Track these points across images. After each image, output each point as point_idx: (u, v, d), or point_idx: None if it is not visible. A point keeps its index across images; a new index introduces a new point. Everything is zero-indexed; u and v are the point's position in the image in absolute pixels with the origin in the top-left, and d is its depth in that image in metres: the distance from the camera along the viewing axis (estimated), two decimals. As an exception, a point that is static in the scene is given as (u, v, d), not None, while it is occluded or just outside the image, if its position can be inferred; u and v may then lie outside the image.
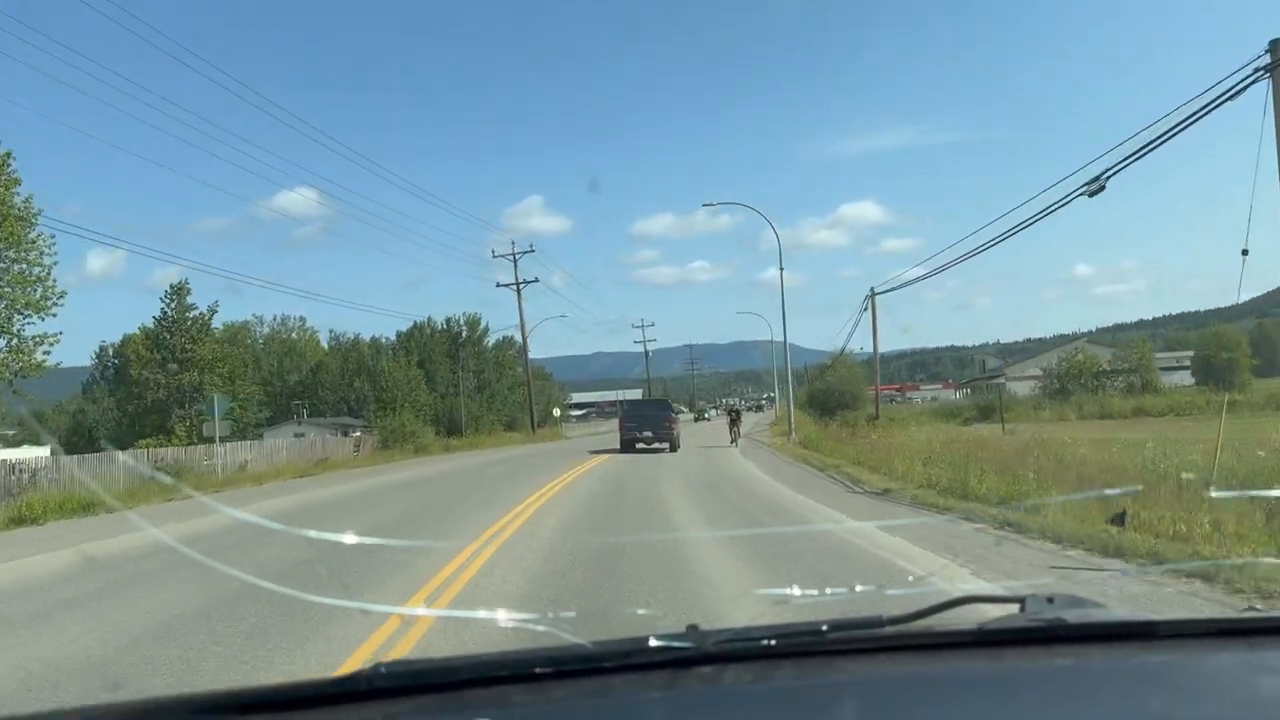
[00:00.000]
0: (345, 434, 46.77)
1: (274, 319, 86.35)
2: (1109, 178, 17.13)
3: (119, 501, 14.81)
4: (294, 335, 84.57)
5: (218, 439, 23.37)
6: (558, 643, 1.41)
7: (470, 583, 7.33)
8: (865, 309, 40.50)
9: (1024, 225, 18.97)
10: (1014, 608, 1.58)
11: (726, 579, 7.04)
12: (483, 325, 75.42)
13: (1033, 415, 42.31)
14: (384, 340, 75.98)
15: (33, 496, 15.89)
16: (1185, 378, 67.64)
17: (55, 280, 25.18)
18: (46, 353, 24.82)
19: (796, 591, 1.85)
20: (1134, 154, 16.18)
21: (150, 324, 52.01)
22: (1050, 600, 1.59)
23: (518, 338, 63.19)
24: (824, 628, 1.38)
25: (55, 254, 25.28)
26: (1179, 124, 14.73)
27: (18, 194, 24.23)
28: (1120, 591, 6.05)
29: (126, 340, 57.57)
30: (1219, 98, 13.52)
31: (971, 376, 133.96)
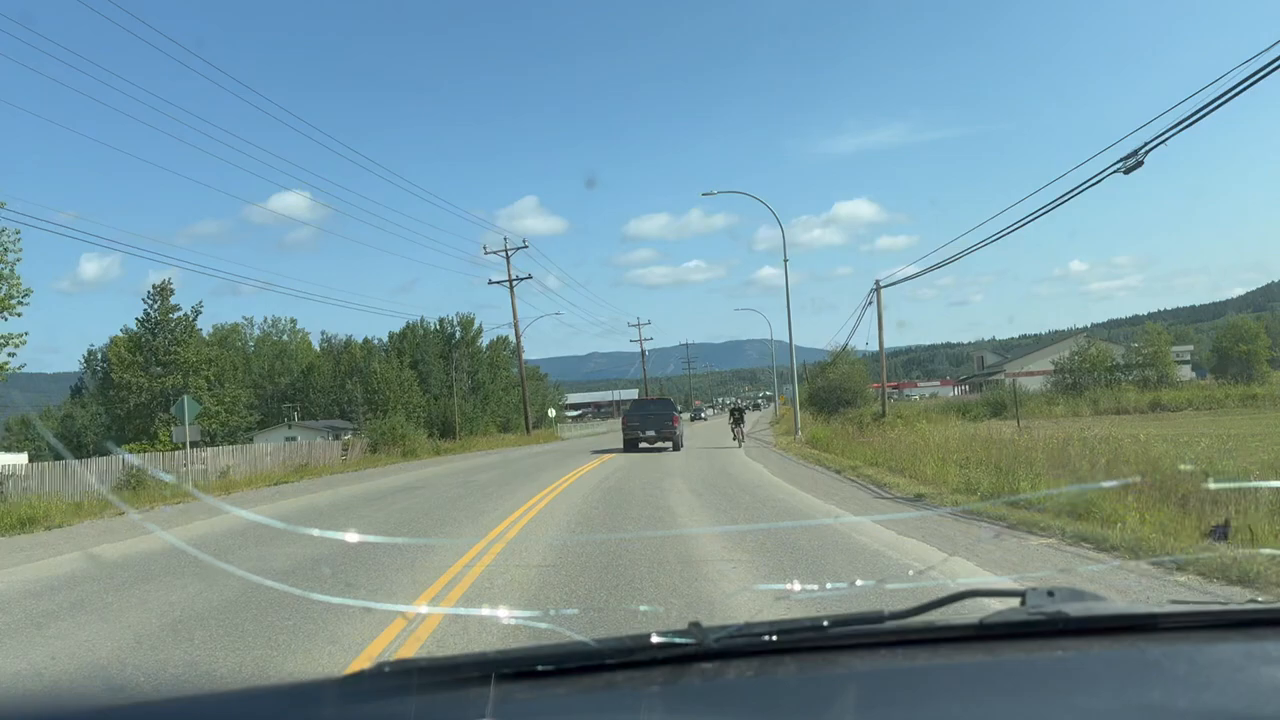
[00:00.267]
0: (337, 437, 45.28)
1: (264, 321, 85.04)
2: (1147, 153, 16.08)
3: (66, 516, 13.30)
4: (285, 337, 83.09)
5: (188, 444, 22.01)
6: (560, 640, 1.39)
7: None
8: (870, 303, 39.25)
9: (1054, 205, 17.64)
10: (1015, 601, 1.56)
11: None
12: (476, 325, 74.08)
13: (1046, 411, 40.91)
14: (376, 342, 74.52)
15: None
16: (1185, 372, 66.43)
17: (20, 278, 23.78)
18: (11, 354, 23.41)
19: (797, 587, 2.14)
20: (1176, 125, 15.12)
21: (134, 326, 50.44)
22: (1051, 593, 1.55)
23: (511, 336, 61.57)
24: (825, 623, 1.39)
25: (20, 250, 23.90)
26: (1224, 93, 13.65)
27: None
28: None
29: (111, 342, 55.91)
30: (1267, 66, 12.48)
31: (970, 373, 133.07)
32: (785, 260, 33.78)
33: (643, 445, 29.64)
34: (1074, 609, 1.45)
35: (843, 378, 57.26)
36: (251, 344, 79.68)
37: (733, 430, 33.16)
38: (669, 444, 29.65)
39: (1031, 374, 61.26)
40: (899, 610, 1.45)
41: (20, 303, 23.52)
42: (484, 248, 59.23)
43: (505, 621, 5.02)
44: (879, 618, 1.42)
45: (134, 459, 25.64)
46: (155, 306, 49.54)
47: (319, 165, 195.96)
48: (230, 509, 13.93)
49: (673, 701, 1.21)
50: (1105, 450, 13.49)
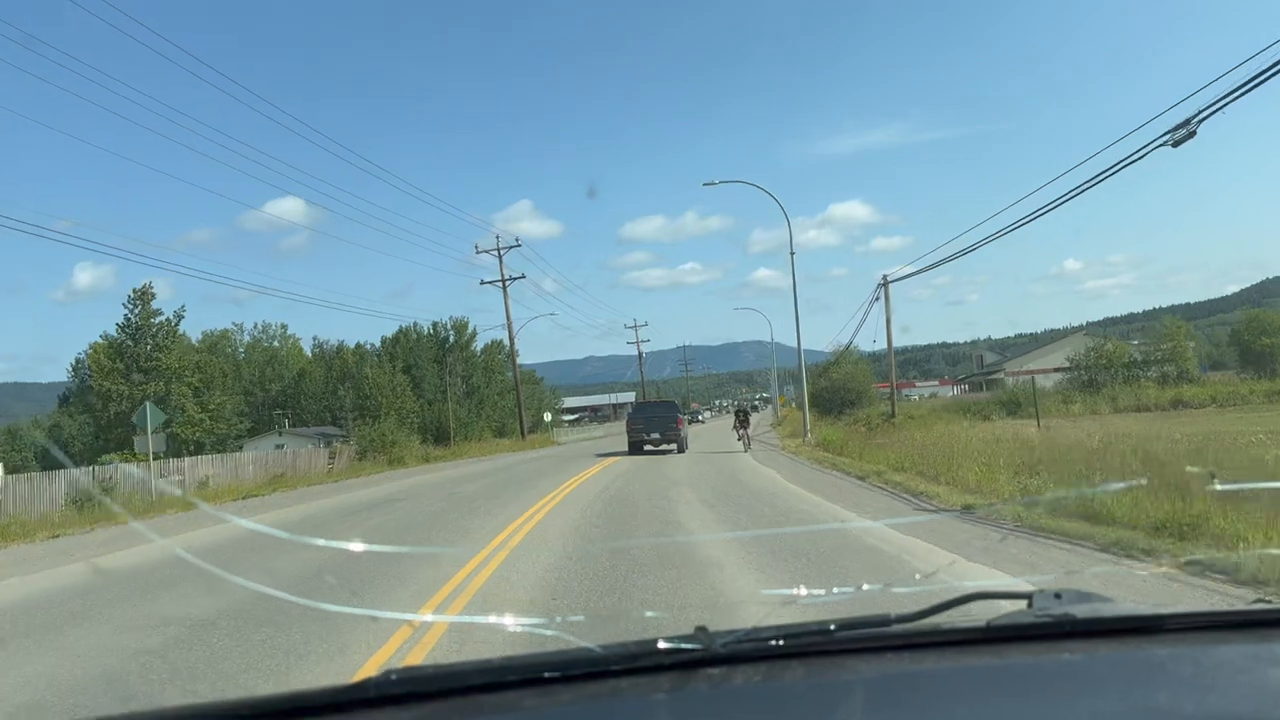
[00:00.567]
0: (327, 444, 43.62)
1: (254, 327, 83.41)
2: (1200, 122, 14.59)
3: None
4: (276, 343, 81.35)
5: (150, 454, 20.40)
6: (565, 646, 1.37)
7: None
8: (877, 298, 37.65)
9: (1095, 181, 16.06)
10: (1022, 604, 1.54)
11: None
12: (470, 329, 72.25)
13: (1062, 409, 39.31)
14: (369, 347, 72.83)
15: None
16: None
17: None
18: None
19: (803, 591, 1.95)
20: (1231, 93, 13.68)
21: (115, 332, 48.69)
22: (1058, 596, 1.53)
23: (505, 340, 59.89)
24: (832, 627, 1.38)
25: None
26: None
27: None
28: None
29: (91, 349, 54.15)
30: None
31: (969, 372, 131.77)
32: (792, 253, 32.28)
33: (647, 448, 29.73)
34: (1081, 611, 1.44)
35: (846, 378, 55.73)
36: (242, 350, 77.99)
37: (738, 433, 30.68)
38: (673, 446, 29.69)
39: (1035, 372, 59.70)
40: (906, 613, 1.44)
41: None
42: (476, 247, 57.55)
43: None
44: (886, 621, 1.41)
45: (83, 472, 23.75)
46: (136, 311, 47.81)
47: (314, 168, 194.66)
48: (156, 538, 12.02)
49: (679, 707, 1.20)
50: (1171, 451, 11.92)
